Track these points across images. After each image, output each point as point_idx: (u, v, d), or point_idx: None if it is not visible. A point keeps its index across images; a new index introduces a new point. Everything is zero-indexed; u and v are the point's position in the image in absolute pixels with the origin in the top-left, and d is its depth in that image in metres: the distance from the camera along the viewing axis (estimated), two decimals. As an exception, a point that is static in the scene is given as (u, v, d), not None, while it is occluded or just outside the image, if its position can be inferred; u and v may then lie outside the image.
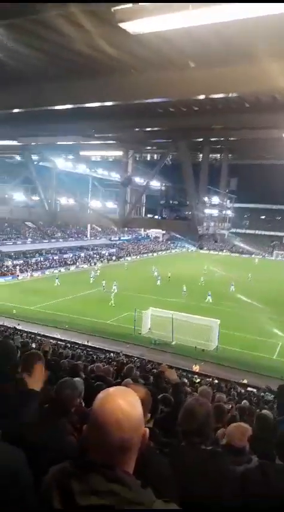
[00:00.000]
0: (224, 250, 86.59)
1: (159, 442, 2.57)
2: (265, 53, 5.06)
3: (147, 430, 1.19)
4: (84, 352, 19.65)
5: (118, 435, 1.07)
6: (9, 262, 48.97)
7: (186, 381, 15.52)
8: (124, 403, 1.11)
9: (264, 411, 6.15)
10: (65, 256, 58.07)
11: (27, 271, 48.19)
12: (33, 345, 14.20)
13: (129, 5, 3.16)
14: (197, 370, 20.20)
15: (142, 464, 1.17)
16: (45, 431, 2.36)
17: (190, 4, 2.96)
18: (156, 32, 3.65)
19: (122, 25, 3.43)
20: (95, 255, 63.17)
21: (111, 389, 1.19)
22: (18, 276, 46.14)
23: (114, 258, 65.41)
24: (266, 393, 14.76)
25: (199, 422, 2.14)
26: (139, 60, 5.58)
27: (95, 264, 57.39)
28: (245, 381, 18.38)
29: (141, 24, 3.39)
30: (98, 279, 43.30)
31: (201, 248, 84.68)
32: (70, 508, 1.03)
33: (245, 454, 3.08)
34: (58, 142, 14.12)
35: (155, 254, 77.19)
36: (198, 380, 16.00)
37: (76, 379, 4.15)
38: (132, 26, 3.49)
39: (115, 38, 4.55)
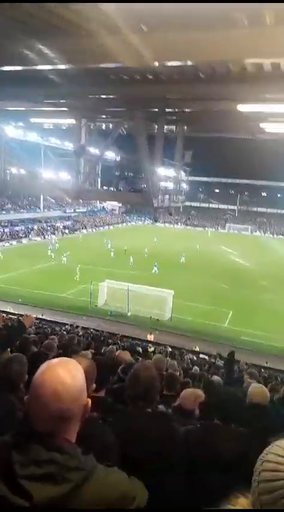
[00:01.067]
0: (179, 223, 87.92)
1: (112, 409, 2.62)
2: (221, 22, 4.98)
3: (89, 400, 1.19)
4: (41, 326, 19.43)
5: (56, 405, 1.08)
6: None
7: (140, 349, 15.92)
8: (64, 373, 1.12)
9: (214, 377, 6.48)
10: (17, 228, 55.99)
11: (-24, 244, 46.08)
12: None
13: None
14: (151, 339, 20.75)
15: (83, 435, 1.19)
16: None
17: None
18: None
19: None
20: (49, 228, 61.50)
21: (53, 360, 1.19)
22: None
23: (67, 231, 64.10)
24: (217, 360, 15.54)
25: (144, 387, 2.15)
26: (89, 22, 5.27)
27: (51, 236, 56.08)
28: (197, 349, 19.20)
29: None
30: (56, 252, 42.61)
31: (156, 221, 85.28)
32: (10, 479, 1.03)
33: (194, 417, 3.23)
34: (7, 108, 13.24)
35: (111, 227, 76.74)
36: (152, 349, 16.46)
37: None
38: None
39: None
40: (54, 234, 58.72)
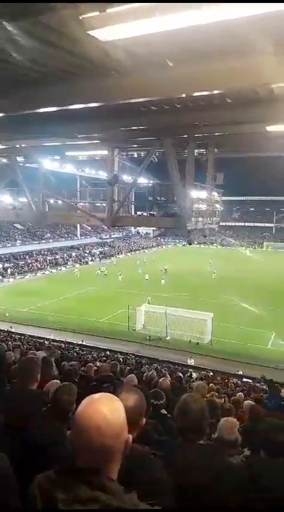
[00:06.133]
0: (215, 244, 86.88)
1: (153, 440, 2.59)
2: (244, 49, 5.11)
3: (131, 436, 1.21)
4: (78, 351, 19.67)
5: (99, 440, 1.10)
6: (-1, 265, 48.55)
7: (180, 374, 15.61)
8: (107, 409, 1.15)
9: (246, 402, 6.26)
10: (56, 256, 57.76)
11: (18, 273, 47.81)
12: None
13: (96, 13, 3.15)
14: (192, 364, 20.38)
15: (134, 469, 1.23)
16: (46, 433, 2.43)
17: (157, 11, 2.96)
18: (127, 38, 3.64)
19: (92, 33, 3.41)
20: (86, 254, 62.94)
21: (96, 395, 1.21)
22: (9, 279, 45.77)
23: (100, 256, 64.92)
24: (262, 383, 14.93)
25: (194, 418, 2.16)
26: (117, 62, 5.59)
27: (91, 261, 57.49)
28: (240, 372, 18.58)
29: (111, 31, 3.38)
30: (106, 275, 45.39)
31: (191, 244, 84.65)
32: None
33: (237, 446, 3.16)
34: (44, 144, 14.02)
35: (146, 251, 77.18)
36: (194, 375, 16.11)
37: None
38: (101, 34, 3.47)
39: (92, 44, 4.53)
40: (92, 260, 59.94)
